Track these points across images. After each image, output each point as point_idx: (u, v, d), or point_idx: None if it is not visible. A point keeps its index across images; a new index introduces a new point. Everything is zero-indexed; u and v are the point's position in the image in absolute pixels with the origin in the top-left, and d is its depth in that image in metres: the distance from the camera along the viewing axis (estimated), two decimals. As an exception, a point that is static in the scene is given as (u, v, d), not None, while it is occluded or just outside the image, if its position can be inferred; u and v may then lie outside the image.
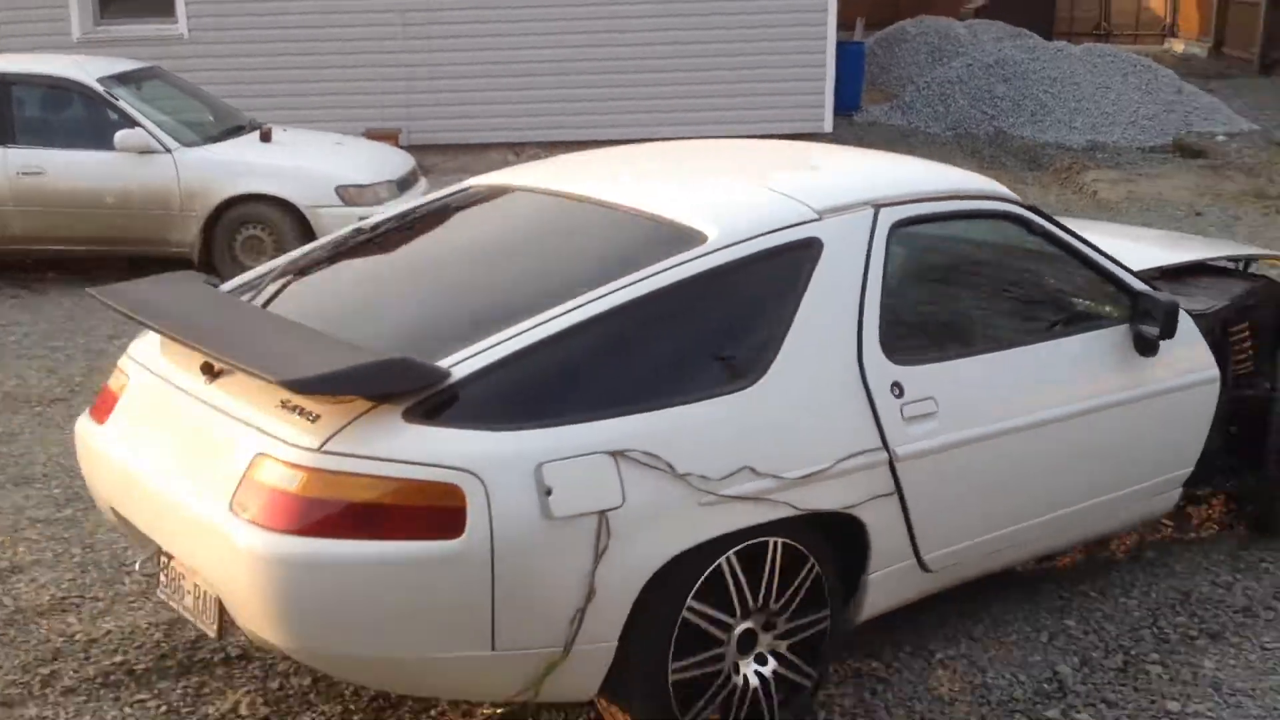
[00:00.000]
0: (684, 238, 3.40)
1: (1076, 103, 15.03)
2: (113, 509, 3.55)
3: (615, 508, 2.98)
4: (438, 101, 13.40)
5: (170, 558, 3.32)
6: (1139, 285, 4.06)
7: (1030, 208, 3.99)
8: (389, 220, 4.21)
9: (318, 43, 13.11)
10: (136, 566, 4.27)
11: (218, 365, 3.21)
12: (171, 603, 3.38)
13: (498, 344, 3.05)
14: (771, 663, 3.37)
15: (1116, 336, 4.00)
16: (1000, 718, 3.59)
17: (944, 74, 16.22)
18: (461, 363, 3.01)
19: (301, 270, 3.94)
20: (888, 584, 3.58)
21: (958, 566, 3.75)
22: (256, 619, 2.98)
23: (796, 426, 3.30)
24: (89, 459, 3.67)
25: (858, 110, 15.88)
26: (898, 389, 3.46)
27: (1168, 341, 4.00)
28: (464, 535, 2.86)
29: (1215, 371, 4.28)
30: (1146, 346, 3.99)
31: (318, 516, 2.87)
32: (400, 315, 3.56)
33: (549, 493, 2.91)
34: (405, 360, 2.92)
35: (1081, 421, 3.88)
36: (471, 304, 3.50)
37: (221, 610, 3.13)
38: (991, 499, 3.74)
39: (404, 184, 9.11)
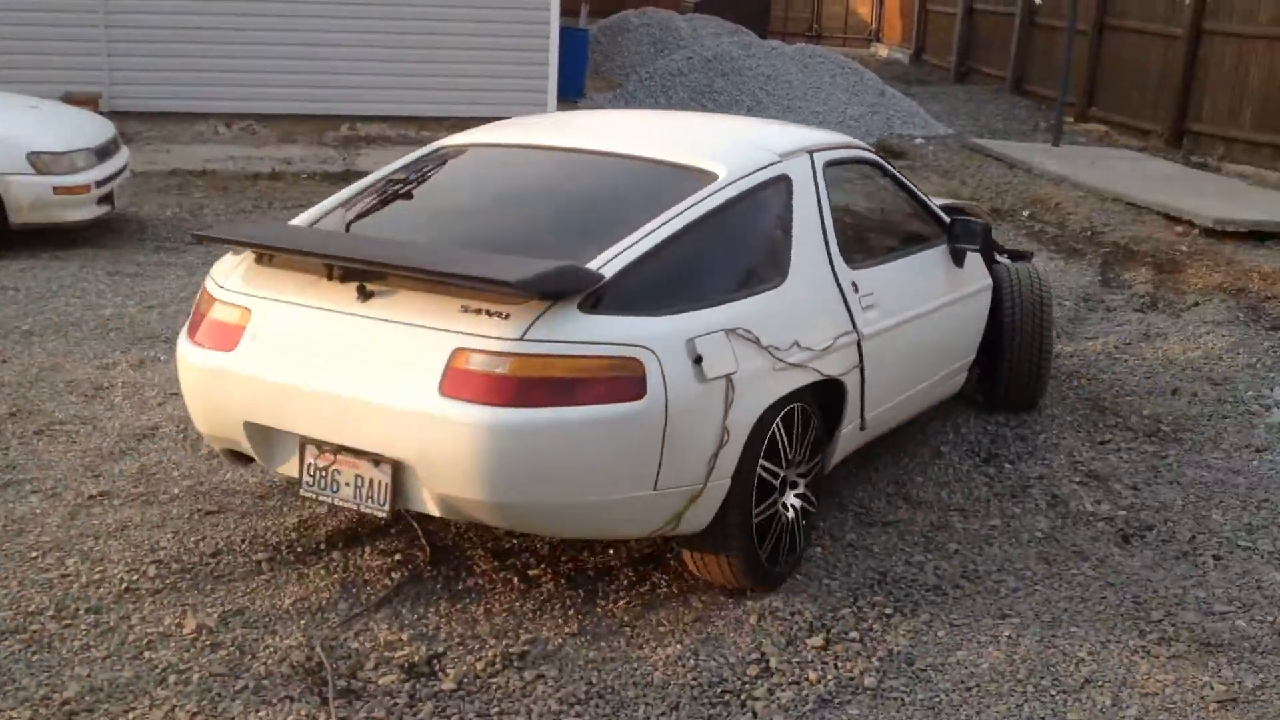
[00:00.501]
0: (701, 175, 4.39)
1: (789, 100, 15.61)
2: (248, 423, 4.02)
3: (734, 372, 3.92)
4: (142, 66, 12.68)
5: (332, 457, 3.89)
6: (947, 216, 5.51)
7: (883, 157, 5.37)
8: (411, 168, 4.87)
9: (8, -4, 12.20)
10: None
11: (371, 285, 3.83)
12: (321, 498, 3.97)
13: (623, 251, 3.92)
14: (798, 498, 4.40)
15: (944, 252, 5.43)
16: (711, 699, 3.70)
17: (666, 65, 16.53)
18: (604, 266, 3.83)
19: (371, 208, 4.60)
20: (845, 439, 4.70)
21: (875, 426, 4.90)
22: (462, 482, 3.67)
23: (811, 313, 4.41)
24: (215, 384, 4.06)
25: (582, 97, 16.00)
26: (855, 286, 4.64)
27: (966, 257, 5.46)
28: (645, 398, 3.70)
29: (990, 281, 5.82)
30: (959, 260, 5.46)
31: (527, 391, 3.61)
32: (520, 235, 4.31)
33: (699, 360, 3.81)
34: (576, 266, 3.75)
35: (942, 313, 5.29)
36: (573, 225, 4.37)
37: (395, 490, 3.81)
38: (896, 372, 4.95)
39: (103, 152, 8.59)
